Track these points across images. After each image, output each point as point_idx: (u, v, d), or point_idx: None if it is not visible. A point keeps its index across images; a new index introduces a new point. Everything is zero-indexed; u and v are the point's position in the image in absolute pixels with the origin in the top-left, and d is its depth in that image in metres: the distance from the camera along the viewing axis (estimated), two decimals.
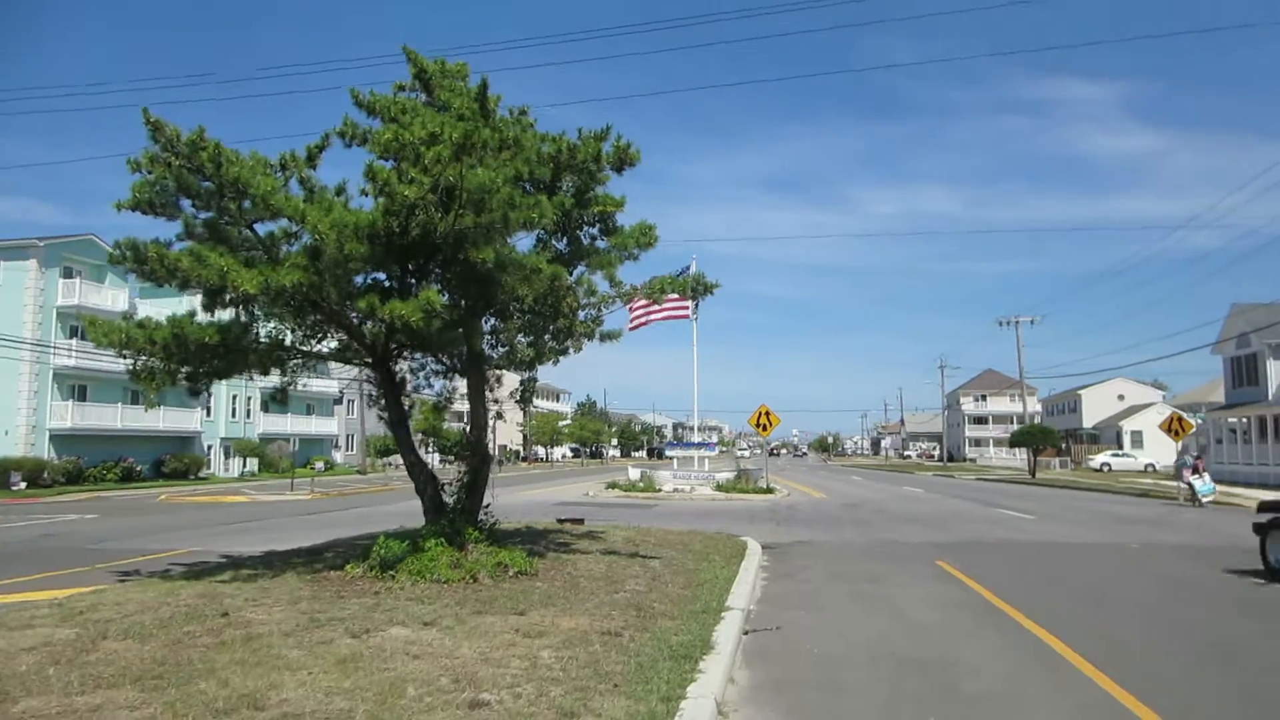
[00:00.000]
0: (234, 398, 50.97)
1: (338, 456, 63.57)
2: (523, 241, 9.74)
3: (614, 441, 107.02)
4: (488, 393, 11.06)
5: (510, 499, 27.96)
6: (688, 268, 35.21)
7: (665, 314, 34.11)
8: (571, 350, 10.99)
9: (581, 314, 10.38)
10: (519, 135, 9.18)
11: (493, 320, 10.45)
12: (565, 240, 10.85)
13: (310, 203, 8.83)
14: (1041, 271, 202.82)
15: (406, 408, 11.06)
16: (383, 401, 11.19)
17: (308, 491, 31.53)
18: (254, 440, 49.32)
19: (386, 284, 9.54)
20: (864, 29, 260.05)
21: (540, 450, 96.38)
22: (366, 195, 9.24)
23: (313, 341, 10.49)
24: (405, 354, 11.45)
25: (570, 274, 9.98)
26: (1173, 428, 30.62)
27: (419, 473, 10.27)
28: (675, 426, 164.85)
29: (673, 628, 6.99)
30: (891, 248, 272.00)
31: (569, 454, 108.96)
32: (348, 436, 66.15)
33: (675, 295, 32.84)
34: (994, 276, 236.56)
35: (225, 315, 9.47)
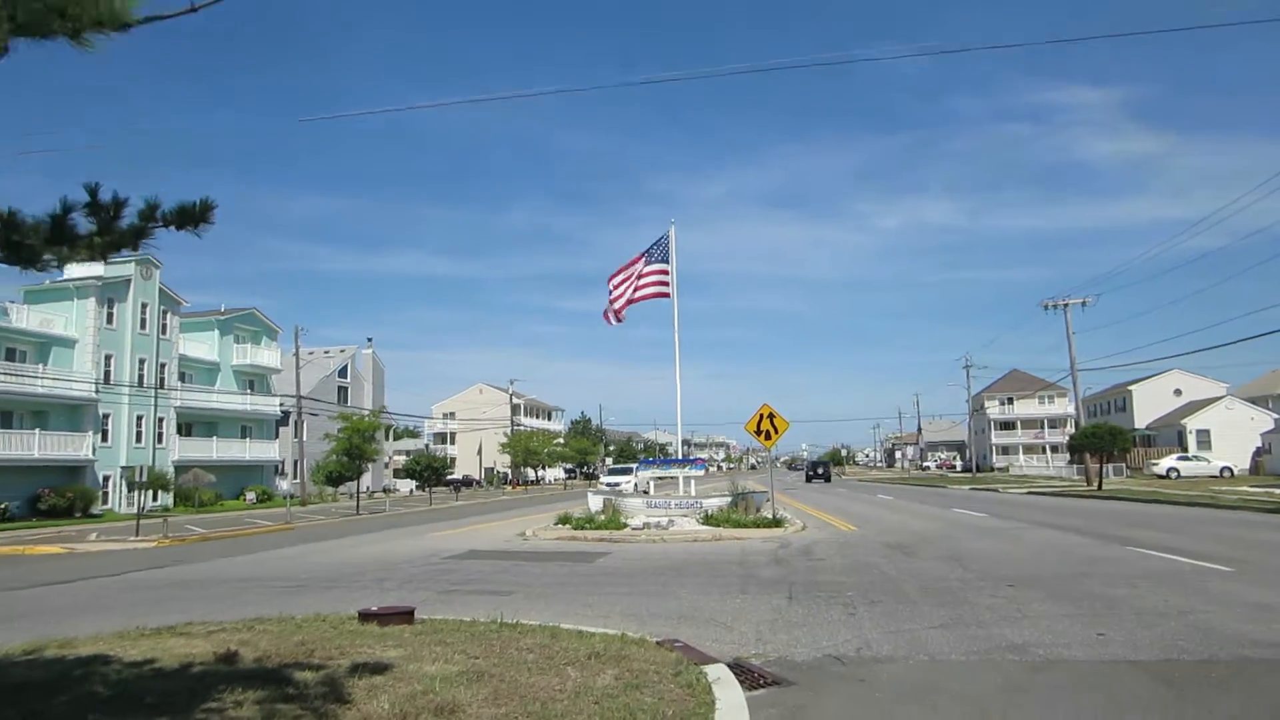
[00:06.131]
0: (139, 419, 42.92)
1: (283, 485, 55.33)
2: None
3: (608, 461, 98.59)
4: None
5: (405, 545, 19.84)
6: (665, 234, 27.38)
7: (644, 293, 26.57)
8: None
9: None
10: None
11: None
12: None
13: None
14: (1051, 278, 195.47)
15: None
16: None
17: (156, 538, 23.41)
18: (161, 470, 41.15)
19: None
20: (864, 43, 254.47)
21: (531, 472, 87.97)
22: None
23: None
24: None
25: None
26: None
27: None
28: (683, 444, 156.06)
29: None
30: (898, 259, 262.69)
31: (562, 475, 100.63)
32: (295, 463, 57.92)
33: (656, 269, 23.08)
34: (1004, 285, 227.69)
35: None
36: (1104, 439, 37.57)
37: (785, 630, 8.46)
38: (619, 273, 26.40)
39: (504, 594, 11.49)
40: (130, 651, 6.98)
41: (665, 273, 26.29)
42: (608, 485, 44.40)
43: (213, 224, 4.76)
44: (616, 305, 26.14)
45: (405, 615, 8.58)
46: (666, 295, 26.39)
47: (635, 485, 33.73)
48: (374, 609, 8.73)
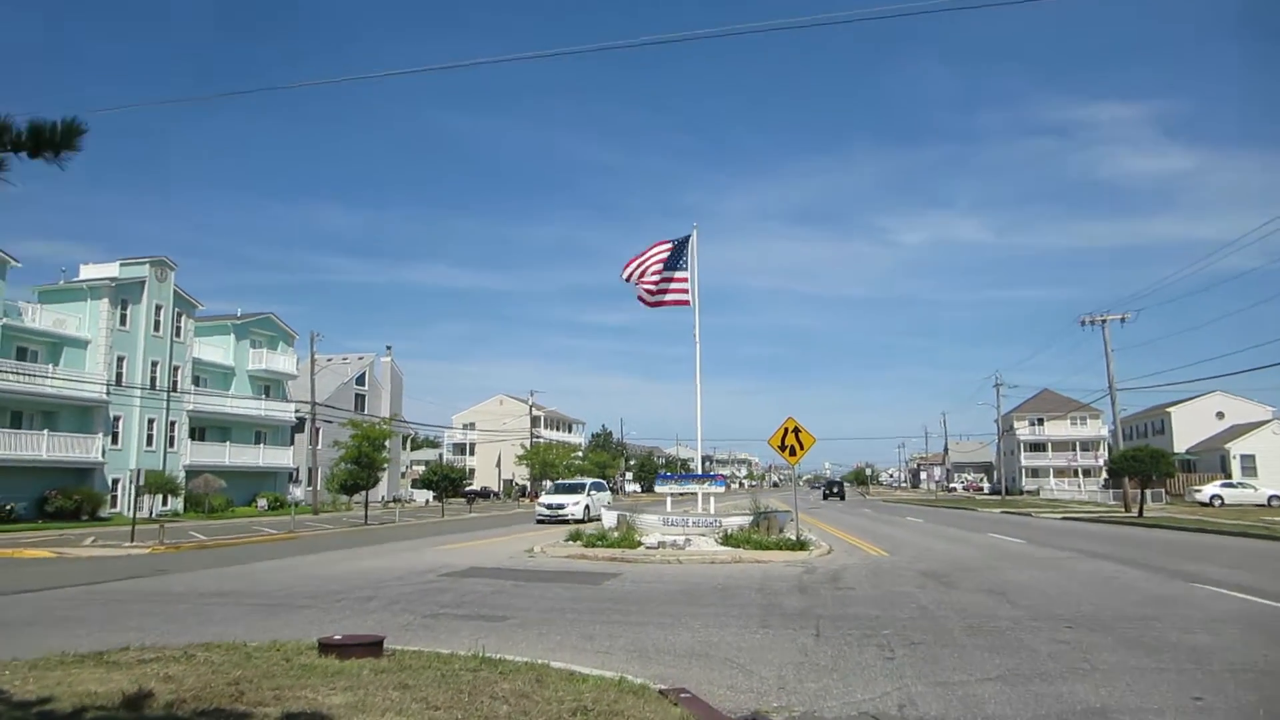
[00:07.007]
0: (150, 422, 42.34)
1: (297, 492, 54.67)
2: None
3: (629, 475, 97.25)
4: None
5: (404, 559, 18.71)
6: (688, 238, 26.24)
7: (655, 292, 25.45)
8: None
9: None
10: None
11: None
12: None
13: None
14: (1081, 297, 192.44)
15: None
16: None
17: (150, 544, 22.53)
18: (169, 474, 40.47)
19: None
20: (891, 55, 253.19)
21: (549, 485, 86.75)
22: None
23: None
24: None
25: None
26: None
27: None
28: (704, 460, 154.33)
29: None
30: (925, 276, 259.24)
31: None
32: (310, 470, 57.22)
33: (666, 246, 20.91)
34: (1034, 303, 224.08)
35: None
36: (1145, 463, 35.76)
37: (813, 676, 7.21)
38: (637, 261, 25.22)
39: (496, 620, 10.33)
40: (29, 686, 5.88)
41: (686, 280, 25.21)
42: (547, 509, 35.38)
43: (79, 150, 3.73)
44: (645, 286, 24.96)
45: (371, 647, 7.42)
46: (686, 303, 25.30)
47: (587, 508, 26.36)
48: (336, 638, 7.59)
